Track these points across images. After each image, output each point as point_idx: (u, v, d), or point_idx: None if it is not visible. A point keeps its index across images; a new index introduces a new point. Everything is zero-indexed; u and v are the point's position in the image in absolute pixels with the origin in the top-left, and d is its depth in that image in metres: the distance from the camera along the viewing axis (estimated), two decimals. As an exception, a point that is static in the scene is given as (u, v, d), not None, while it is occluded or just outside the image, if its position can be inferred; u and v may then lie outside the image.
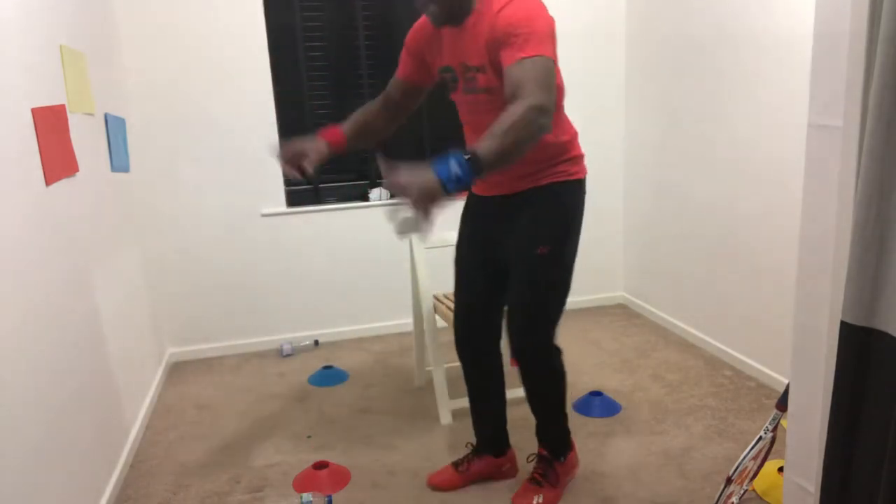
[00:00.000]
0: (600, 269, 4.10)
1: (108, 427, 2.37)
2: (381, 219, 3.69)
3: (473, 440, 2.36)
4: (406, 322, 3.61)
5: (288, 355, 3.58)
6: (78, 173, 2.28)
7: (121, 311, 2.71)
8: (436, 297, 2.85)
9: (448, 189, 1.53)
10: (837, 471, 1.31)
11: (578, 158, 2.00)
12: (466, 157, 1.54)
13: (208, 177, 3.43)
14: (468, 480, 2.29)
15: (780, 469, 2.10)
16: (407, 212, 1.55)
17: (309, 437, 2.70)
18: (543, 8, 1.74)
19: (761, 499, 2.17)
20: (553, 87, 1.64)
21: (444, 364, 2.78)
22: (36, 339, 1.80)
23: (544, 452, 2.21)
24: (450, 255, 2.69)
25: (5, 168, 1.69)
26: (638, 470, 2.36)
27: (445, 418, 2.75)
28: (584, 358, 3.36)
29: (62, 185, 2.10)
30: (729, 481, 2.03)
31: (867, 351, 1.23)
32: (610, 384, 3.04)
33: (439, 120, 3.77)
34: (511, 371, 2.25)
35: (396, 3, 3.62)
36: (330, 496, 2.24)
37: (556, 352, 2.10)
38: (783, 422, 1.83)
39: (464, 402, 2.73)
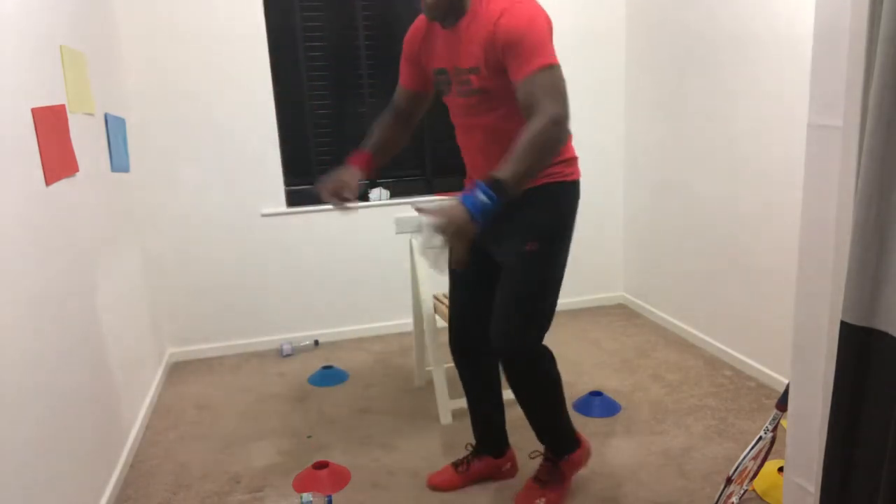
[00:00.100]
0: (600, 269, 4.10)
1: (107, 427, 2.37)
2: (381, 219, 3.69)
3: (473, 440, 2.36)
4: (406, 322, 3.61)
5: (288, 355, 3.58)
6: (78, 173, 2.28)
7: (121, 311, 2.71)
8: (436, 297, 2.85)
9: (478, 219, 1.58)
10: (837, 471, 1.31)
11: (573, 160, 1.98)
12: (490, 184, 1.59)
13: (208, 177, 3.43)
14: (468, 481, 2.29)
15: (780, 469, 2.10)
16: (442, 247, 1.59)
17: (309, 437, 2.70)
18: (540, 10, 1.73)
19: (761, 499, 2.17)
20: (565, 95, 1.67)
21: (444, 364, 2.78)
22: (35, 338, 1.80)
23: (547, 452, 2.20)
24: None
25: (5, 168, 1.69)
26: (638, 470, 2.36)
27: (445, 418, 2.75)
28: (584, 358, 3.36)
29: (62, 185, 2.10)
30: (729, 481, 2.03)
31: (867, 351, 1.23)
32: (610, 384, 3.04)
33: (439, 120, 3.77)
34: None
35: (396, 3, 3.62)
36: (330, 496, 2.24)
37: (544, 357, 2.02)
38: (783, 422, 1.83)
39: (464, 402, 2.73)
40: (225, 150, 3.42)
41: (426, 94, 2.12)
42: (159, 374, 3.28)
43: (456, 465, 2.32)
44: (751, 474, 2.01)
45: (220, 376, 3.36)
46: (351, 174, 2.04)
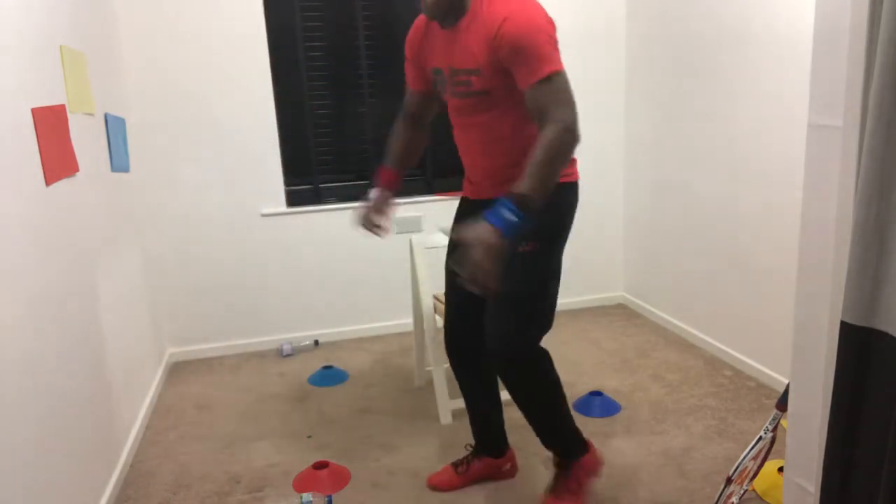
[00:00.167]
0: (600, 269, 4.10)
1: (107, 427, 2.37)
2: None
3: (473, 440, 2.36)
4: (406, 322, 3.61)
5: (288, 355, 3.58)
6: (78, 173, 2.28)
7: (121, 311, 2.71)
8: (436, 297, 2.85)
9: (508, 237, 1.59)
10: (837, 471, 1.31)
11: (572, 162, 1.95)
12: (514, 200, 1.60)
13: (208, 177, 3.43)
14: (468, 481, 2.29)
15: (780, 469, 2.10)
16: (475, 268, 1.59)
17: (309, 437, 2.71)
18: (543, 14, 1.71)
19: (761, 499, 2.17)
20: (573, 100, 1.69)
21: (444, 364, 2.77)
22: (35, 338, 1.80)
23: (556, 459, 2.15)
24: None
25: (5, 168, 1.69)
26: (638, 470, 2.36)
27: (445, 418, 2.75)
28: (584, 358, 3.36)
29: (62, 185, 2.10)
30: (729, 481, 2.03)
31: (867, 351, 1.23)
32: (610, 384, 3.04)
33: (439, 120, 3.77)
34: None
35: (396, 3, 3.62)
36: (330, 496, 2.24)
37: (542, 358, 1.98)
38: (783, 422, 1.83)
39: (464, 403, 2.74)
40: (225, 150, 3.43)
41: (433, 94, 2.11)
42: (159, 374, 3.28)
43: (456, 465, 2.32)
44: (751, 474, 2.01)
45: (220, 376, 3.36)
46: (382, 199, 2.14)
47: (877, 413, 1.23)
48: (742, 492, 2.02)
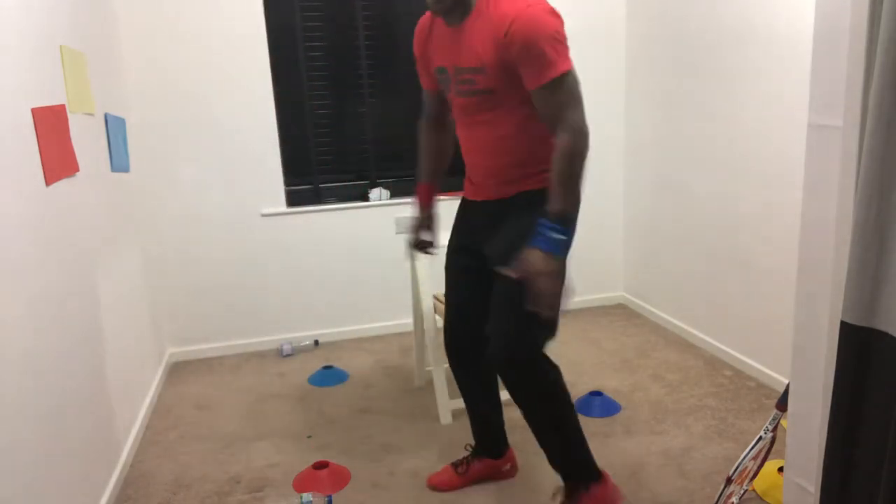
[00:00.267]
0: (600, 268, 4.10)
1: (107, 427, 2.37)
2: (381, 219, 3.70)
3: (473, 441, 2.36)
4: (406, 322, 3.61)
5: (288, 355, 3.58)
6: (78, 173, 2.28)
7: (121, 311, 2.71)
8: (436, 297, 2.85)
9: (561, 255, 1.67)
10: (837, 471, 1.31)
11: None
12: (553, 219, 1.67)
13: (208, 177, 3.43)
14: (468, 481, 2.29)
15: (780, 469, 2.10)
16: (548, 296, 1.67)
17: (309, 437, 2.71)
18: (550, 11, 1.69)
19: (761, 499, 2.17)
20: (581, 100, 1.71)
21: (444, 364, 2.77)
22: (35, 339, 1.80)
23: (563, 483, 2.05)
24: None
25: (5, 168, 1.69)
26: (638, 470, 2.36)
27: (445, 418, 2.75)
28: (584, 358, 3.36)
29: (62, 185, 2.10)
30: (729, 481, 2.03)
31: (867, 351, 1.23)
32: (610, 384, 3.04)
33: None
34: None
35: (396, 3, 3.62)
36: (330, 496, 2.24)
37: (545, 369, 1.93)
38: (783, 422, 1.83)
39: (464, 403, 2.73)
40: (225, 150, 3.43)
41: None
42: (159, 374, 3.28)
43: (455, 465, 2.32)
44: (751, 474, 2.01)
45: (220, 376, 3.36)
46: (426, 218, 2.22)
47: (877, 413, 1.23)
48: (742, 492, 2.02)
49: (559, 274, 1.68)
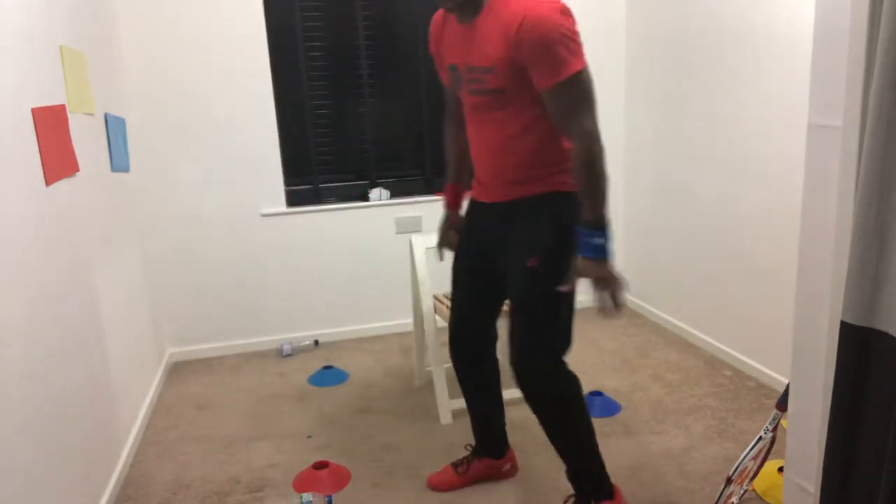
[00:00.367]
0: (600, 269, 4.09)
1: (108, 427, 2.37)
2: (381, 219, 3.69)
3: (472, 440, 2.36)
4: (406, 322, 3.61)
5: (288, 355, 3.58)
6: (78, 173, 2.28)
7: (121, 311, 2.71)
8: (436, 297, 2.85)
9: (605, 257, 1.73)
10: (837, 471, 1.31)
11: (570, 171, 1.88)
12: (590, 226, 1.72)
13: (208, 177, 3.43)
14: (468, 481, 2.29)
15: (780, 469, 2.10)
16: (604, 297, 1.76)
17: (309, 437, 2.70)
18: (561, 10, 1.65)
19: (761, 499, 2.17)
20: (593, 101, 1.71)
21: (444, 364, 2.77)
22: (35, 338, 1.80)
23: (574, 494, 2.06)
24: (449, 254, 2.68)
25: (5, 168, 1.69)
26: (638, 470, 2.36)
27: (445, 418, 2.75)
28: (584, 358, 3.36)
29: (62, 185, 2.10)
30: (729, 481, 2.03)
31: (867, 351, 1.23)
32: (610, 384, 3.04)
33: (439, 120, 3.77)
34: (507, 371, 2.25)
35: (396, 2, 3.62)
36: (330, 496, 2.24)
37: (563, 376, 1.94)
38: (783, 422, 1.83)
39: (463, 403, 2.73)
40: (225, 150, 3.43)
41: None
42: (159, 374, 3.28)
43: (456, 465, 2.32)
44: (751, 474, 2.01)
45: (220, 376, 3.36)
46: (455, 219, 2.21)
47: (877, 413, 1.23)
48: (742, 492, 2.02)
49: (611, 273, 1.73)
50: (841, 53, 1.30)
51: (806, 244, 1.47)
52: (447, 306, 2.75)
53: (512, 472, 2.34)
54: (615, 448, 2.50)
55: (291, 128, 3.58)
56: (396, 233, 3.70)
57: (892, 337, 1.19)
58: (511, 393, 2.36)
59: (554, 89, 1.68)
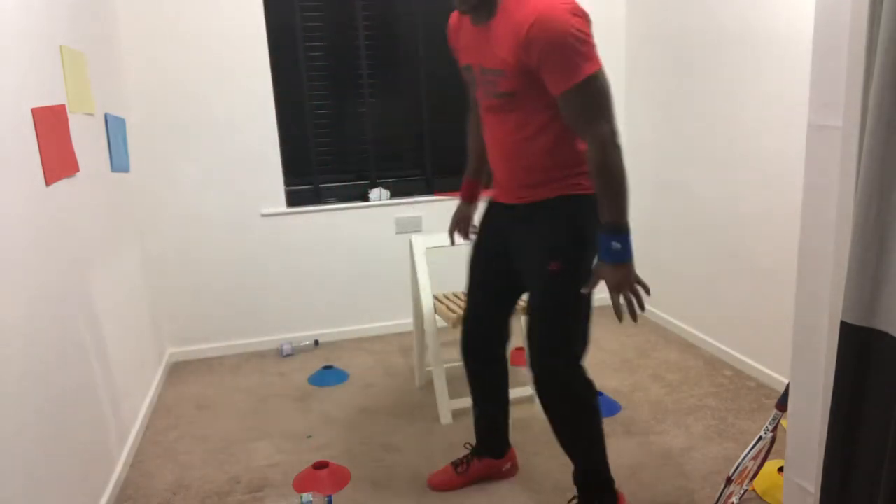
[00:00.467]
0: (600, 269, 4.09)
1: (108, 427, 2.37)
2: (381, 219, 3.69)
3: (473, 440, 2.36)
4: (406, 322, 3.61)
5: (288, 355, 3.58)
6: (78, 173, 2.28)
7: (121, 310, 2.71)
8: (436, 297, 2.85)
9: (626, 260, 1.71)
10: (837, 471, 1.31)
11: (585, 174, 1.85)
12: (607, 231, 1.70)
13: (208, 177, 3.43)
14: (468, 481, 2.29)
15: (780, 469, 2.10)
16: (627, 298, 1.75)
17: (309, 437, 2.70)
18: (573, 11, 1.61)
19: (761, 499, 2.17)
20: (608, 103, 1.67)
21: (444, 364, 2.78)
22: (35, 338, 1.80)
23: (577, 495, 2.07)
24: (449, 254, 2.69)
25: (5, 168, 1.69)
26: (638, 470, 2.36)
27: (445, 418, 2.75)
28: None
29: (62, 185, 2.10)
30: (729, 481, 2.03)
31: (867, 351, 1.23)
32: (610, 384, 3.04)
33: (439, 119, 3.77)
34: (512, 370, 2.25)
35: (396, 2, 3.62)
36: (330, 496, 2.24)
37: (580, 379, 1.92)
38: (783, 422, 1.83)
39: (464, 403, 2.73)
40: (225, 150, 3.43)
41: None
42: (159, 374, 3.28)
43: (456, 465, 2.31)
44: (751, 474, 2.01)
45: (220, 376, 3.36)
46: (464, 213, 2.26)
47: (877, 413, 1.23)
48: (742, 492, 2.02)
49: (630, 278, 1.71)
50: (841, 53, 1.30)
51: (806, 244, 1.47)
52: (447, 306, 2.75)
53: (512, 471, 2.34)
54: (615, 448, 2.50)
55: (291, 128, 3.58)
56: (396, 233, 3.70)
57: (892, 337, 1.19)
58: (513, 393, 2.36)
59: (566, 94, 1.64)
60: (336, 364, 3.39)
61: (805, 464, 1.53)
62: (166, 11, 3.23)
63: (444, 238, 2.70)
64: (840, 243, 1.34)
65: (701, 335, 3.43)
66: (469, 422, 2.35)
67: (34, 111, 1.90)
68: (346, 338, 3.78)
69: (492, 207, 2.08)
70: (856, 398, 1.26)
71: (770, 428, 1.96)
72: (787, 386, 1.62)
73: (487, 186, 2.14)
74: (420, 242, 2.86)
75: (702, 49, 3.19)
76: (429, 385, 3.01)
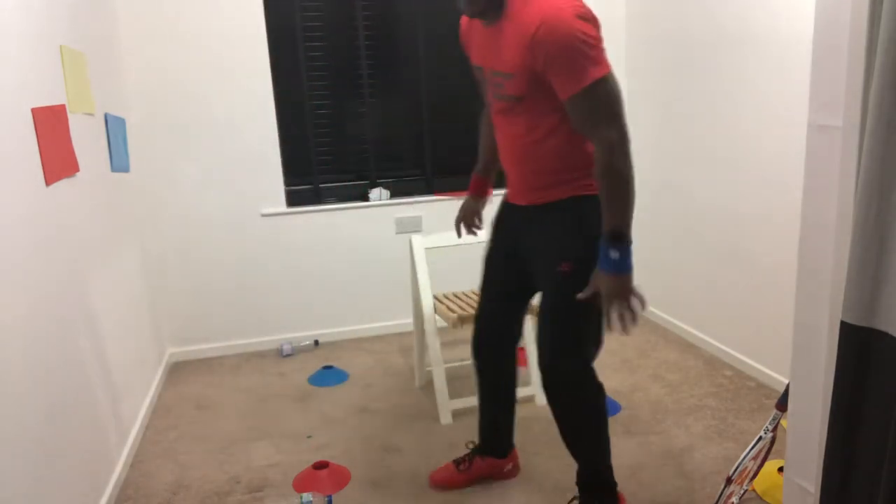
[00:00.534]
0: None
1: (107, 427, 2.37)
2: (381, 219, 3.69)
3: (474, 439, 2.36)
4: (406, 322, 3.61)
5: (288, 355, 3.58)
6: (78, 173, 2.28)
7: (121, 311, 2.71)
8: (436, 297, 2.85)
9: (625, 271, 1.68)
10: (837, 471, 1.31)
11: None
12: (609, 239, 1.67)
13: (208, 177, 3.43)
14: (469, 480, 2.29)
15: (780, 469, 2.10)
16: (621, 310, 1.72)
17: (309, 437, 2.70)
18: (581, 13, 1.59)
19: (761, 499, 2.17)
20: (618, 109, 1.64)
21: (444, 364, 2.78)
22: (35, 338, 1.80)
23: (579, 494, 2.07)
24: (449, 255, 2.69)
25: (5, 168, 1.69)
26: (638, 470, 2.36)
27: (445, 418, 2.75)
28: (584, 358, 3.35)
29: (62, 185, 2.10)
30: (729, 481, 2.03)
31: (867, 351, 1.23)
32: (610, 384, 3.03)
33: (439, 119, 3.77)
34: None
35: (396, 3, 3.62)
36: (330, 496, 2.24)
37: (590, 381, 1.93)
38: (783, 422, 1.83)
39: (464, 403, 2.73)
40: (225, 150, 3.42)
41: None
42: (159, 374, 3.28)
43: (457, 462, 2.31)
44: (751, 474, 2.01)
45: (220, 376, 3.36)
46: (473, 205, 2.26)
47: (877, 413, 1.23)
48: (742, 492, 2.02)
49: (627, 289, 1.69)
50: (841, 53, 1.30)
51: (806, 244, 1.47)
52: (447, 306, 2.75)
53: (514, 472, 2.34)
54: (615, 448, 2.48)
55: (291, 128, 3.57)
56: (396, 233, 3.70)
57: (892, 337, 1.19)
58: (518, 392, 2.35)
59: (573, 98, 1.63)
60: (336, 364, 3.39)
61: (805, 464, 1.53)
62: (166, 11, 3.23)
63: (444, 238, 2.71)
64: (840, 243, 1.34)
65: (701, 335, 3.43)
66: (469, 422, 2.35)
67: (34, 111, 1.90)
68: (346, 338, 3.78)
69: (505, 208, 2.08)
70: (856, 398, 1.26)
71: (770, 428, 1.96)
72: (787, 386, 1.62)
73: (494, 185, 2.15)
74: (420, 242, 2.86)
75: (702, 49, 3.19)
76: (429, 385, 3.01)
